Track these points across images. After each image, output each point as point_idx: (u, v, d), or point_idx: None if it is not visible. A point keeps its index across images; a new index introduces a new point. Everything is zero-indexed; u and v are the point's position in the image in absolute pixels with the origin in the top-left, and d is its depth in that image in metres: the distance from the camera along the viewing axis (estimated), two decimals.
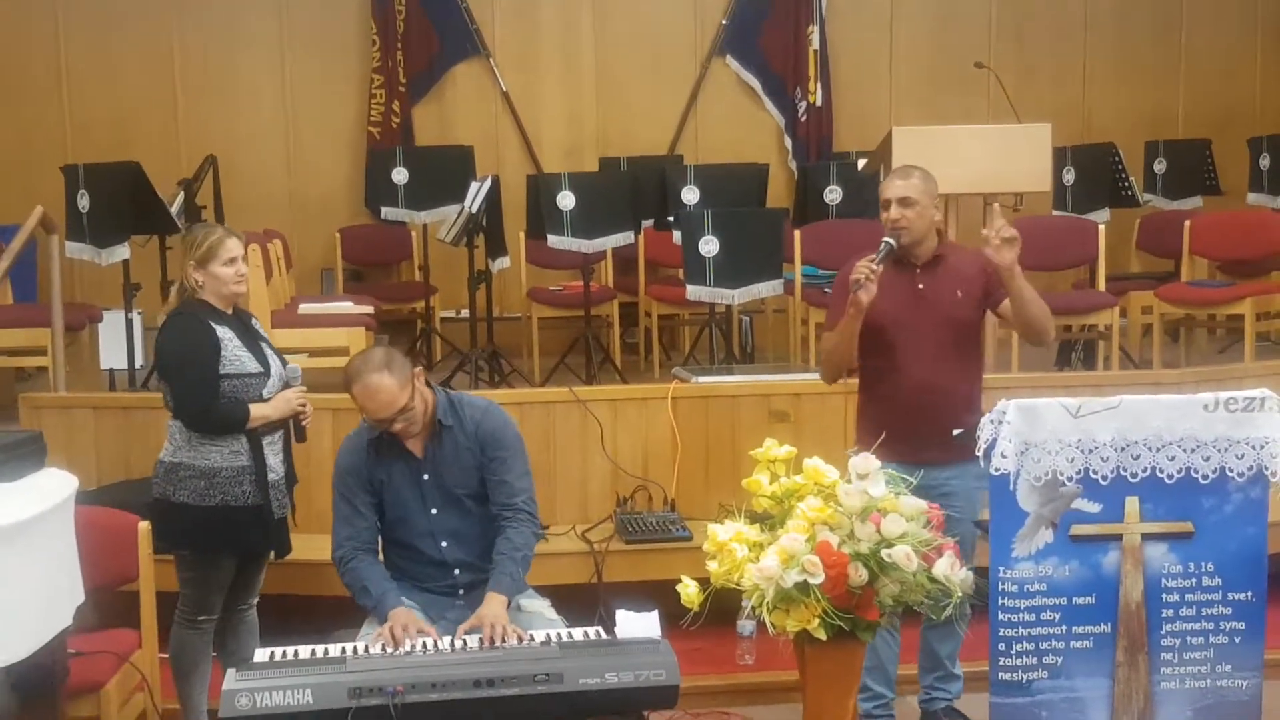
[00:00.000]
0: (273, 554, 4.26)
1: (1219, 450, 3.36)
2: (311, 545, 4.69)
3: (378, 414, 3.81)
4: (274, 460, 4.14)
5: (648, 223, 7.65)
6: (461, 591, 3.94)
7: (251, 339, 4.15)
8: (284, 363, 4.23)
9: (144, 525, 4.01)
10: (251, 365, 4.06)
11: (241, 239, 4.17)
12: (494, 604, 3.72)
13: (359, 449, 3.96)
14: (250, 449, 4.06)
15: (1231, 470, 3.36)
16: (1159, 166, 8.85)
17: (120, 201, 6.51)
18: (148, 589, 4.02)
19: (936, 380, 4.13)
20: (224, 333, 4.05)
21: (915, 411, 4.09)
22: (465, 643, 3.53)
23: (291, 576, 4.77)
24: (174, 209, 6.82)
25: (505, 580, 3.80)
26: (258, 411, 4.05)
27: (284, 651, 3.43)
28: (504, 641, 3.51)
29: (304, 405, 4.15)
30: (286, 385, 4.17)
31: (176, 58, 9.02)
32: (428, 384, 3.98)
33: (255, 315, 4.40)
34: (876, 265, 4.01)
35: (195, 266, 4.08)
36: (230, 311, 4.14)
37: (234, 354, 4.04)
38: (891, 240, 4.11)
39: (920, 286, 4.16)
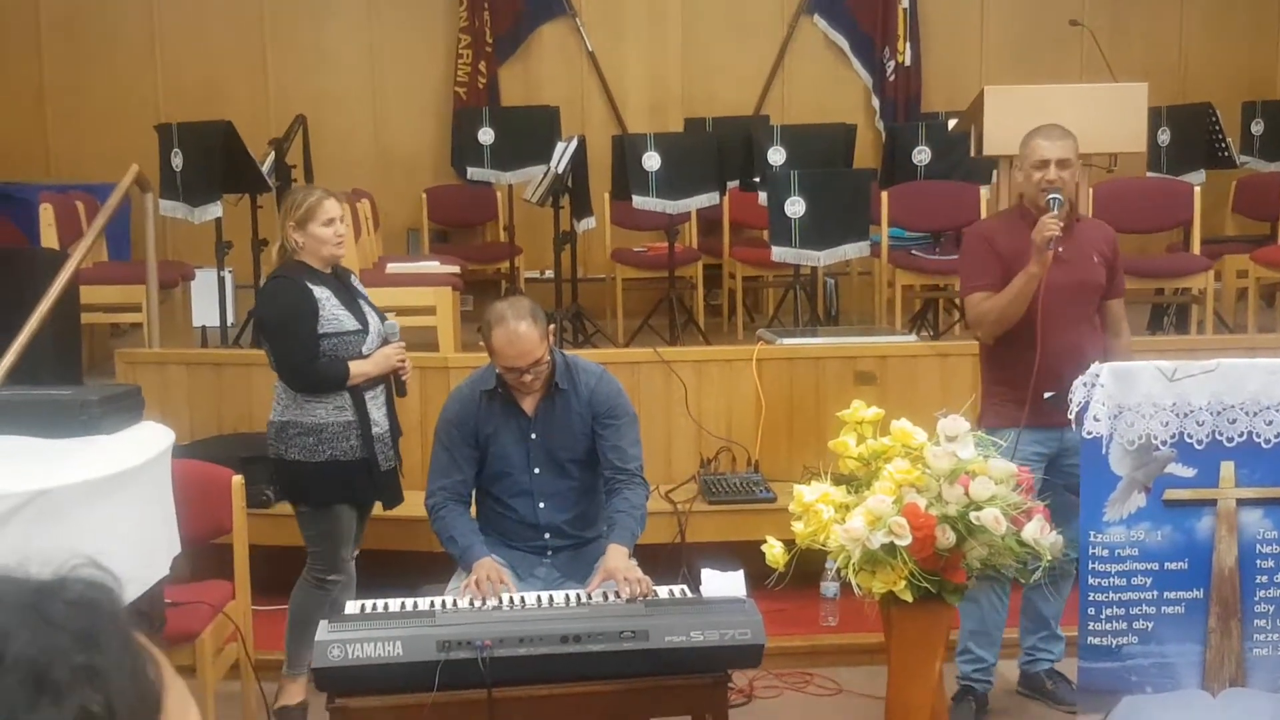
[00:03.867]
0: (383, 505, 4.33)
1: None
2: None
3: (515, 361, 3.79)
4: (378, 414, 4.21)
5: (733, 184, 7.62)
6: (549, 553, 3.97)
7: (350, 297, 4.21)
8: (383, 319, 4.28)
9: (237, 479, 4.08)
10: (350, 323, 4.13)
11: (340, 200, 4.23)
12: (619, 555, 3.74)
13: (470, 399, 3.96)
14: (354, 404, 4.13)
15: None
16: (1256, 128, 8.63)
17: (213, 160, 6.61)
18: (241, 542, 4.10)
19: (1077, 342, 4.05)
20: (321, 293, 4.11)
21: (1057, 373, 4.02)
22: (552, 599, 3.57)
23: (382, 532, 4.84)
24: (265, 168, 6.91)
25: (625, 534, 3.82)
26: (357, 368, 4.12)
27: (375, 604, 3.49)
28: (642, 592, 3.53)
29: (403, 361, 4.22)
30: (385, 341, 4.23)
31: (266, 18, 9.13)
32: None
33: (355, 273, 4.46)
34: (1060, 221, 3.96)
35: (295, 228, 4.14)
36: (329, 271, 4.20)
37: (332, 313, 4.10)
38: (1059, 195, 4.02)
39: (1061, 250, 4.09)
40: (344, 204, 4.27)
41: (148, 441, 3.49)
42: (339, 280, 4.23)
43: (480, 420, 3.93)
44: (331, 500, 4.16)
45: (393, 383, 4.29)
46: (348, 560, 4.25)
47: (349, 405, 4.13)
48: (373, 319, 4.22)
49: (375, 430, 4.17)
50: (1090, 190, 6.39)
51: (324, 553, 4.20)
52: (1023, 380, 3.98)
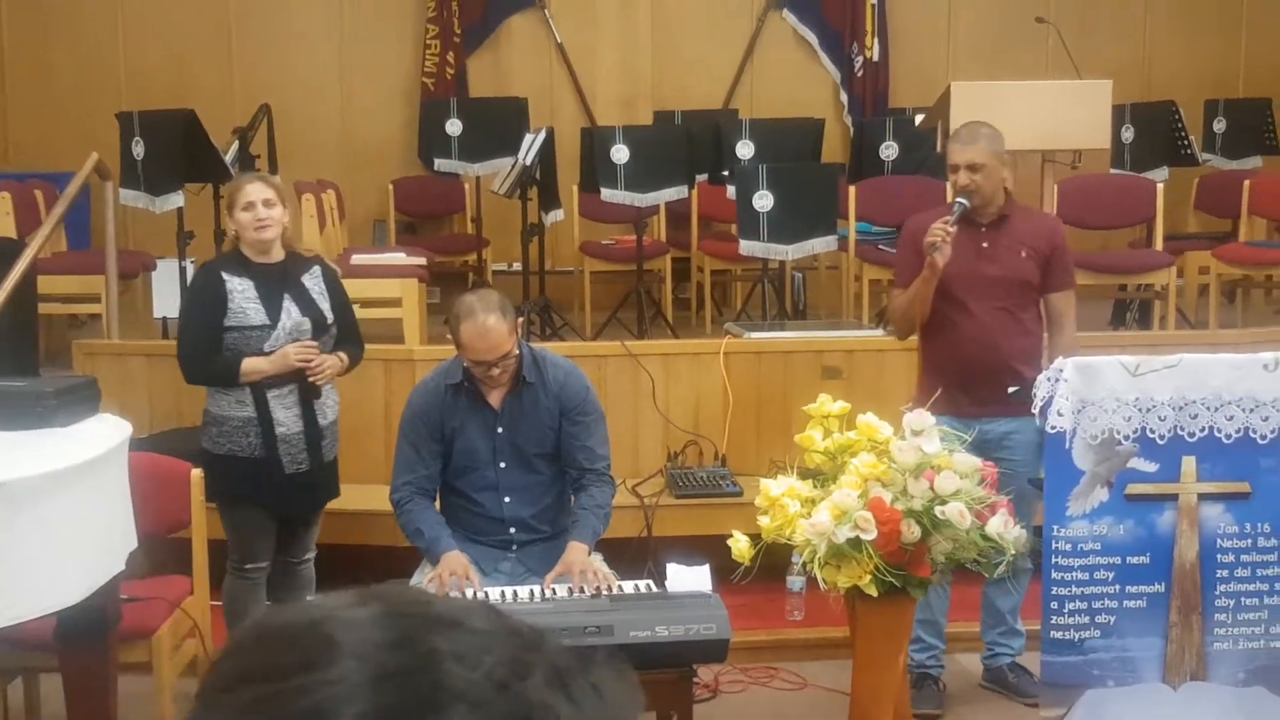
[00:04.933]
0: (296, 512, 4.26)
1: (1278, 410, 3.32)
2: (364, 495, 4.74)
3: (484, 355, 3.76)
4: (283, 414, 4.10)
5: (702, 177, 7.61)
6: (514, 548, 3.95)
7: (275, 291, 4.08)
8: (317, 316, 4.14)
9: (196, 472, 4.03)
10: (256, 318, 4.04)
11: (267, 183, 4.14)
12: (578, 551, 3.75)
13: (435, 393, 3.93)
14: (254, 401, 4.06)
15: None
16: (1219, 125, 8.70)
17: (174, 149, 6.53)
18: (200, 536, 4.04)
19: (996, 336, 4.15)
20: (238, 284, 4.05)
21: (976, 365, 4.12)
22: (515, 594, 3.55)
23: (344, 526, 4.81)
24: (228, 157, 6.84)
25: (587, 531, 3.83)
26: (251, 365, 4.03)
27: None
28: (596, 587, 3.53)
29: (307, 361, 4.07)
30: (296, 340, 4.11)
31: (232, 6, 9.05)
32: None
33: (323, 265, 4.34)
34: (951, 226, 4.01)
35: (227, 214, 4.14)
36: (275, 259, 4.11)
37: (240, 305, 4.04)
38: (964, 201, 4.10)
39: (984, 245, 4.16)
40: (273, 188, 4.14)
41: (104, 434, 3.45)
42: (281, 270, 4.13)
43: (446, 414, 3.91)
44: (229, 495, 4.10)
45: (308, 385, 4.14)
46: (261, 553, 4.19)
47: (249, 401, 4.06)
48: (290, 316, 4.09)
49: (279, 430, 4.08)
50: (1055, 186, 6.43)
51: (236, 544, 4.17)
52: (946, 370, 4.10)
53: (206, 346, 4.06)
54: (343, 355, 4.25)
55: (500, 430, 3.91)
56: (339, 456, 4.35)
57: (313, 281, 4.23)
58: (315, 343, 4.12)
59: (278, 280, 4.13)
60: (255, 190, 4.07)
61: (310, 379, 4.11)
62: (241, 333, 4.05)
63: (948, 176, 4.24)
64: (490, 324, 3.73)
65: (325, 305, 4.21)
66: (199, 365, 4.09)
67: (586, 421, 3.92)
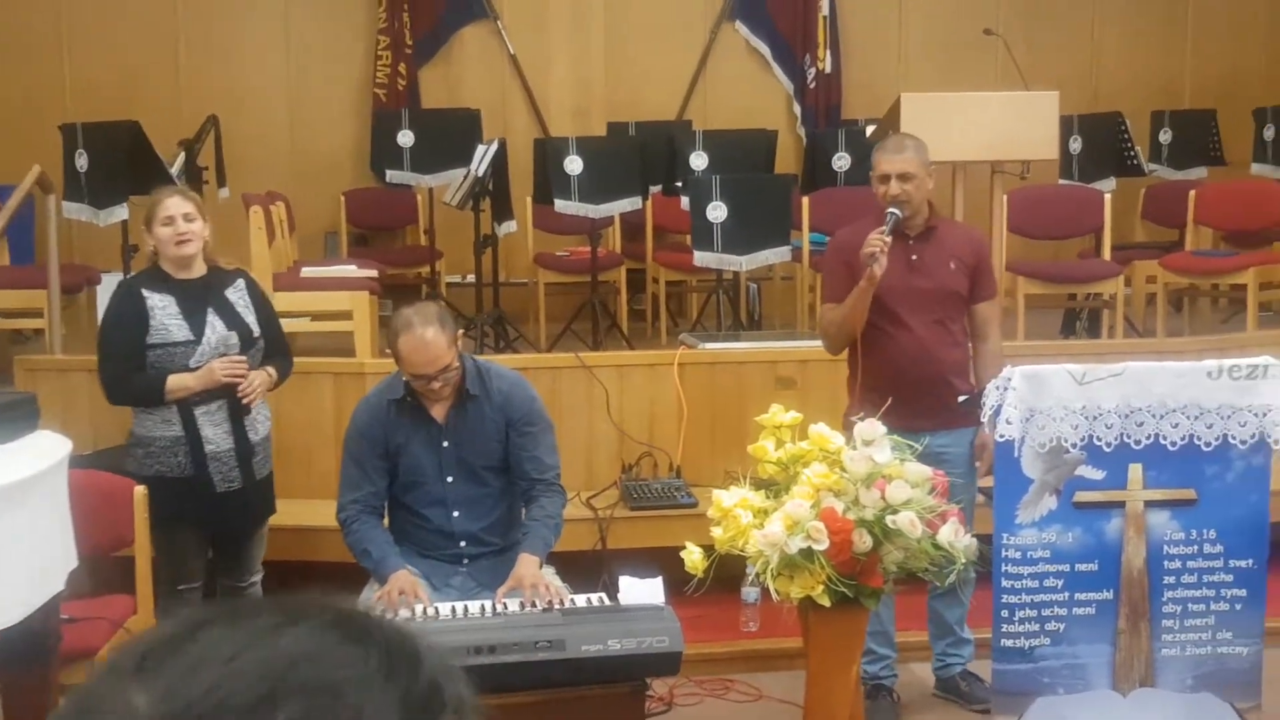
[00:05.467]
0: (231, 531, 4.19)
1: (1222, 418, 3.36)
2: (313, 510, 4.70)
3: (423, 368, 3.73)
4: (212, 431, 4.03)
5: (656, 188, 7.62)
6: (465, 562, 3.91)
7: (198, 306, 4.02)
8: (243, 330, 4.09)
9: (139, 490, 3.97)
10: (179, 334, 3.98)
11: (186, 197, 4.08)
12: (529, 564, 3.70)
13: (378, 409, 3.89)
14: (181, 419, 3.99)
15: (1234, 438, 3.36)
16: (1164, 136, 8.82)
17: (119, 161, 6.46)
18: (143, 554, 3.98)
19: (930, 348, 4.16)
20: (159, 300, 3.98)
21: (910, 379, 4.11)
22: (466, 609, 3.52)
23: (293, 542, 4.77)
24: (174, 169, 6.77)
25: (538, 542, 3.79)
26: (176, 382, 3.96)
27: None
28: (548, 601, 3.51)
29: (237, 377, 4.01)
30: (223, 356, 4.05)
31: (179, 16, 8.96)
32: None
33: (246, 278, 4.25)
34: (887, 236, 4.02)
35: (146, 230, 4.05)
36: (197, 274, 4.05)
37: (162, 322, 3.98)
38: (897, 211, 4.10)
39: (914, 257, 4.18)
40: (192, 201, 4.08)
41: (43, 451, 3.38)
42: (203, 284, 4.07)
43: (390, 430, 3.87)
44: (159, 516, 3.98)
45: (237, 401, 4.08)
46: (194, 572, 4.13)
47: (176, 419, 3.98)
48: (216, 331, 4.03)
49: (209, 448, 4.01)
50: (1005, 196, 6.48)
51: (168, 565, 4.09)
52: (879, 384, 4.07)
53: (129, 366, 3.97)
54: (271, 370, 4.18)
55: (446, 444, 3.88)
56: (275, 471, 4.29)
57: (237, 295, 4.15)
58: (243, 358, 4.05)
59: (200, 295, 4.05)
60: (174, 204, 4.00)
61: (242, 399, 4.05)
62: (165, 350, 3.98)
63: (875, 185, 4.21)
64: (428, 336, 3.69)
65: (251, 318, 4.14)
66: (122, 385, 4.01)
67: (533, 432, 3.89)
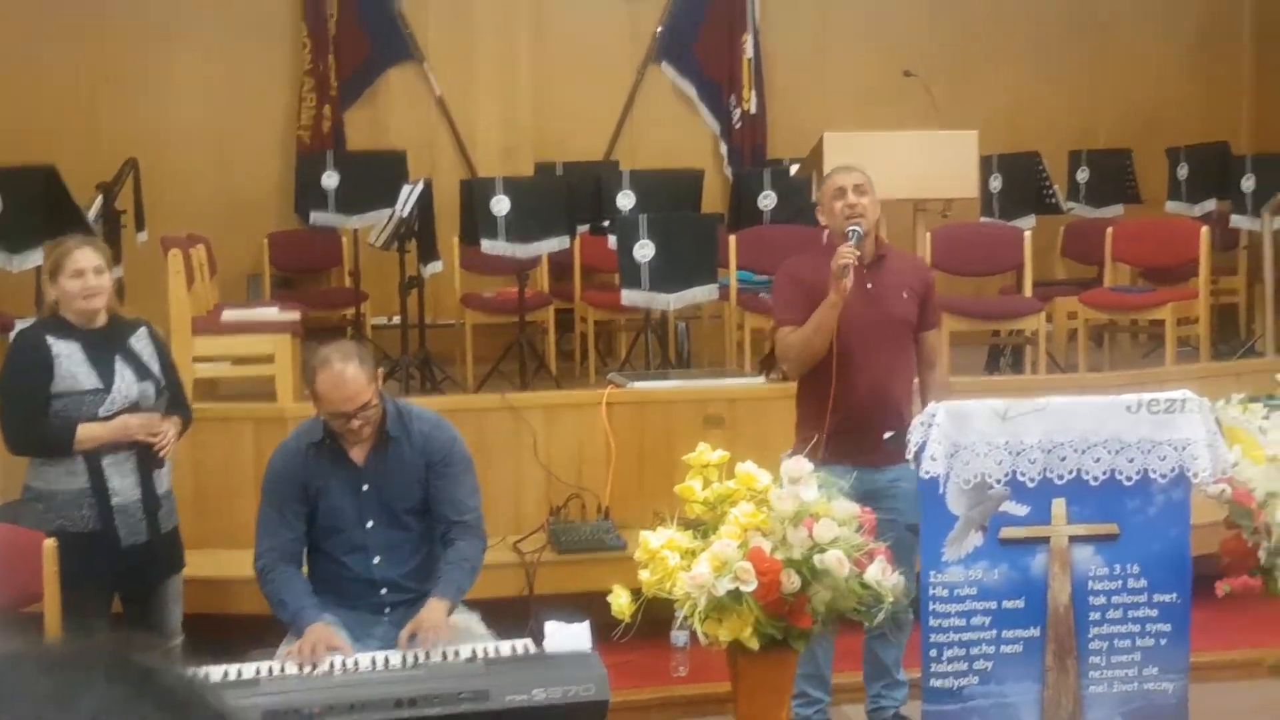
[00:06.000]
0: (136, 588, 4.09)
1: (1142, 452, 3.39)
2: (233, 561, 4.60)
3: (340, 406, 3.66)
4: (120, 483, 3.94)
5: (583, 228, 7.62)
6: (388, 610, 3.83)
7: (105, 355, 3.95)
8: (151, 380, 4.03)
9: (49, 543, 3.79)
10: (87, 382, 3.90)
11: (97, 249, 4.01)
12: (436, 610, 3.64)
13: (296, 453, 3.83)
14: (88, 469, 3.89)
15: (1154, 472, 3.39)
16: (1082, 175, 8.98)
17: (33, 206, 6.33)
18: (52, 610, 3.83)
19: (888, 380, 4.15)
20: (65, 348, 3.90)
21: (867, 410, 4.09)
22: (388, 660, 3.46)
23: (212, 595, 4.67)
24: (91, 214, 6.68)
25: (451, 588, 3.72)
26: (87, 432, 3.86)
27: (194, 673, 3.32)
28: (426, 653, 3.44)
29: (154, 435, 3.94)
30: (136, 407, 3.97)
31: (99, 57, 8.84)
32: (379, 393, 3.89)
33: (148, 328, 4.18)
34: (856, 250, 4.02)
35: (48, 280, 3.96)
36: (100, 324, 3.99)
37: (69, 370, 3.89)
38: (858, 228, 4.10)
39: (869, 285, 4.17)
40: (102, 254, 4.02)
41: None
42: (102, 335, 4.00)
43: (308, 474, 3.79)
44: (67, 576, 3.79)
45: (149, 451, 4.01)
46: (100, 628, 3.96)
47: (82, 471, 3.88)
48: (125, 380, 3.96)
49: (115, 500, 3.92)
50: (928, 235, 6.56)
51: (72, 625, 3.93)
52: (835, 416, 4.07)
53: (34, 414, 3.86)
54: (176, 420, 4.11)
55: (365, 488, 3.81)
56: (194, 520, 4.24)
57: (141, 344, 4.09)
58: (159, 414, 3.98)
59: (105, 344, 3.98)
60: (85, 257, 3.93)
61: (157, 452, 3.98)
62: (72, 399, 3.89)
63: (830, 205, 4.19)
64: (348, 373, 3.64)
65: (156, 368, 4.08)
66: (27, 434, 3.89)
67: (451, 472, 3.84)
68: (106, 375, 3.92)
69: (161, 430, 3.97)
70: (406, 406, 3.95)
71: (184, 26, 8.95)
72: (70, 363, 3.90)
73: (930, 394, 4.24)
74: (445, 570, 3.75)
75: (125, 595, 4.08)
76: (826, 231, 4.36)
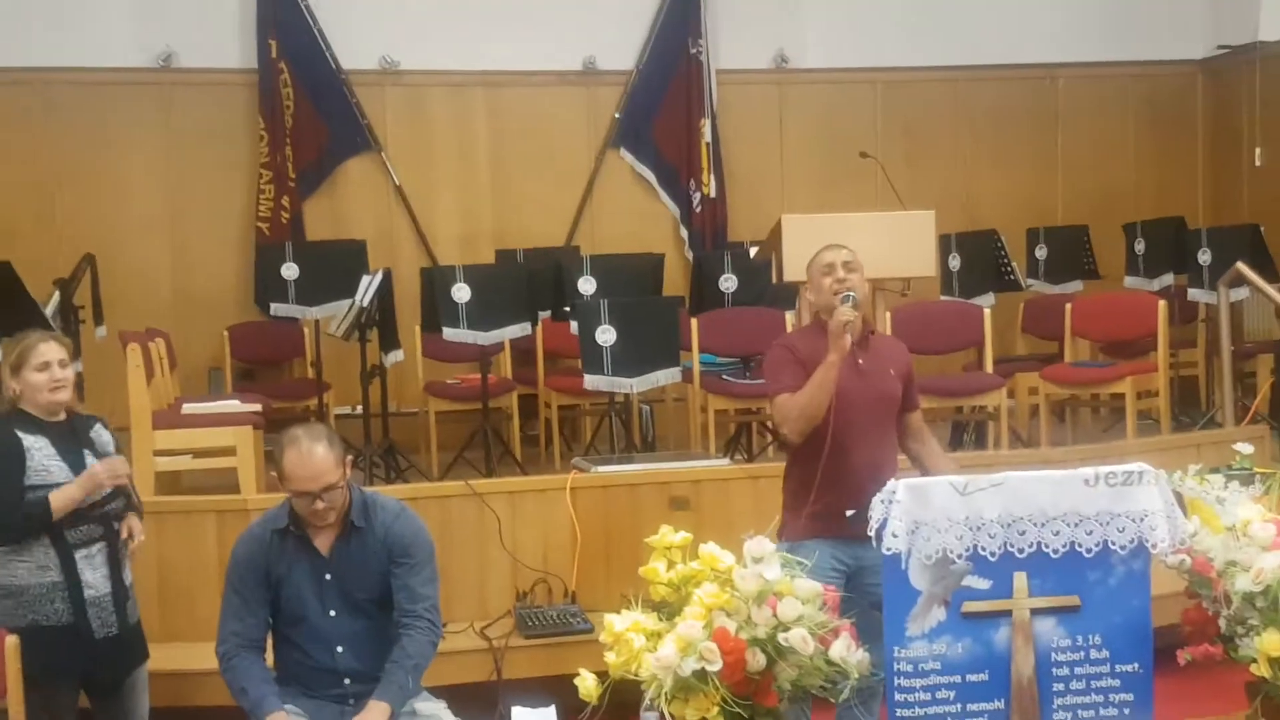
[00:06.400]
0: (104, 682, 4.07)
1: (1101, 524, 3.40)
2: (196, 654, 4.56)
3: (305, 484, 3.67)
4: (92, 575, 3.96)
5: (545, 314, 7.66)
6: (352, 701, 3.77)
7: (73, 448, 4.00)
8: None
9: (11, 640, 3.76)
10: (60, 475, 3.93)
11: (60, 343, 4.07)
12: (374, 712, 3.61)
13: (260, 539, 3.82)
14: (60, 564, 3.90)
15: (1114, 543, 3.40)
16: (1040, 252, 9.10)
17: None
18: (16, 706, 3.79)
19: (879, 455, 4.17)
20: (34, 441, 3.93)
21: (860, 486, 4.06)
22: None
23: (177, 688, 4.63)
24: (49, 310, 6.67)
25: (392, 688, 3.68)
26: (60, 499, 3.87)
27: None
28: None
29: (119, 479, 3.98)
30: (108, 501, 4.01)
31: (55, 154, 8.87)
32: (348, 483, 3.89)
33: (103, 423, 4.22)
34: (855, 311, 4.06)
35: (10, 374, 3.98)
36: (61, 418, 4.02)
37: (42, 464, 3.92)
38: (853, 294, 4.13)
39: (860, 361, 4.20)
40: (65, 348, 4.07)
41: None
42: (68, 429, 4.03)
43: (272, 560, 3.79)
44: (38, 672, 3.80)
45: (118, 543, 4.04)
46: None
47: (54, 565, 3.89)
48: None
49: (88, 594, 3.93)
50: (888, 314, 6.62)
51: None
52: (826, 493, 4.07)
53: (13, 500, 3.86)
54: (139, 514, 4.16)
55: (329, 577, 3.80)
56: (157, 613, 4.27)
57: (100, 438, 4.13)
58: (120, 458, 4.02)
59: (71, 437, 4.02)
60: (50, 350, 3.98)
61: (129, 540, 4.04)
62: (47, 490, 3.90)
63: (820, 281, 4.21)
64: (316, 452, 3.66)
65: None
66: (8, 519, 3.86)
67: (409, 562, 3.83)
68: (77, 468, 3.95)
69: (126, 470, 4.01)
70: (373, 496, 3.95)
71: (139, 121, 9.01)
72: (42, 456, 3.92)
73: (938, 465, 4.30)
74: (389, 670, 3.71)
75: (92, 689, 4.05)
76: (816, 312, 4.38)
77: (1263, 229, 8.32)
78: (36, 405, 3.97)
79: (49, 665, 3.85)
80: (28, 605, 3.88)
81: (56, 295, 6.97)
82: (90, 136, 8.91)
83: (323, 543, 3.81)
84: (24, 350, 3.97)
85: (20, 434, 3.92)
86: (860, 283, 4.22)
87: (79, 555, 3.92)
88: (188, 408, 6.78)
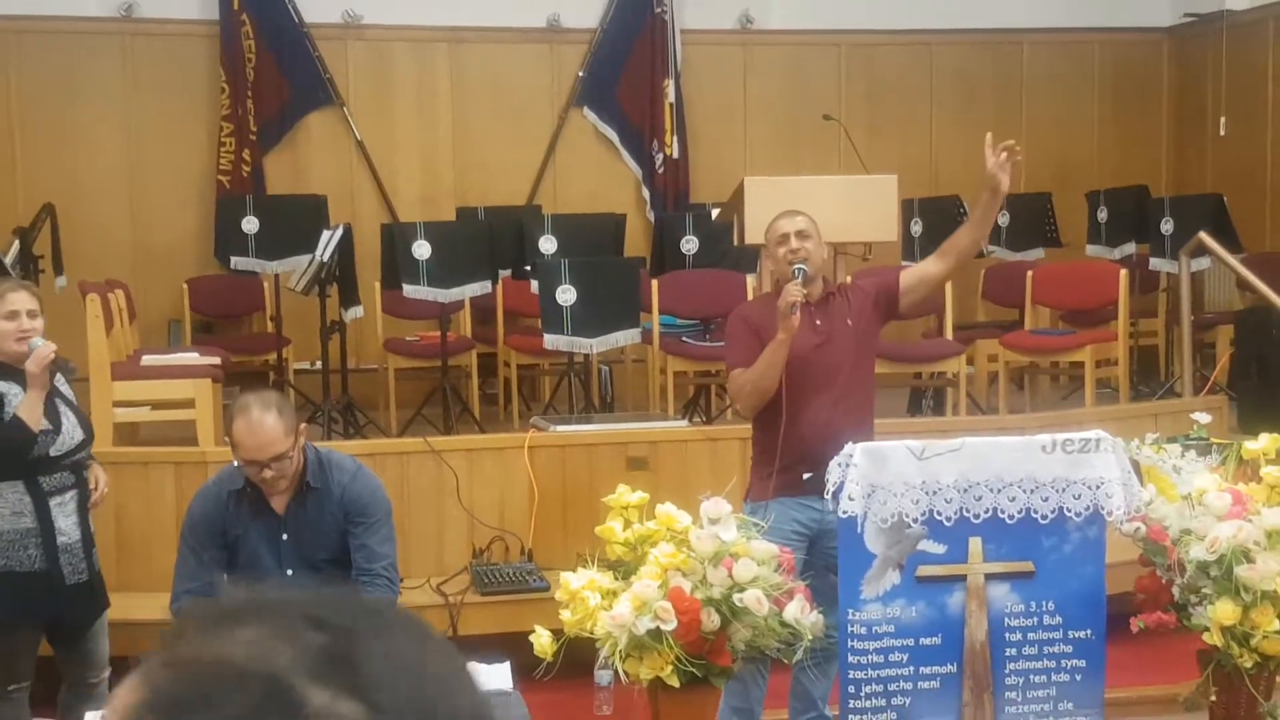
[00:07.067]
0: (71, 627, 4.10)
1: (1057, 491, 3.44)
2: (152, 604, 4.53)
3: (253, 454, 3.65)
4: (65, 522, 3.99)
5: (505, 272, 7.62)
6: None
7: (47, 397, 3.98)
8: (85, 424, 4.12)
9: None
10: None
11: (32, 293, 4.06)
12: None
13: (216, 499, 3.81)
14: (35, 510, 3.92)
15: (1069, 510, 3.44)
16: (1002, 219, 9.06)
17: None
18: None
19: (838, 415, 4.18)
20: (7, 388, 3.92)
21: (820, 449, 4.10)
22: None
23: (133, 637, 4.60)
24: (8, 259, 6.60)
25: None
26: (26, 410, 3.85)
27: None
28: None
29: (46, 360, 3.91)
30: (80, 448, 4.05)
31: (14, 103, 8.75)
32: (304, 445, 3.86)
33: (73, 371, 4.26)
34: (803, 287, 4.07)
35: None
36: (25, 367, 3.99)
37: (15, 409, 3.90)
38: (804, 266, 4.15)
39: (818, 323, 4.22)
40: (36, 298, 4.06)
41: None
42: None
43: (228, 520, 3.77)
44: (6, 617, 3.89)
45: (87, 490, 4.09)
46: (25, 671, 4.00)
47: (29, 511, 3.90)
48: (70, 421, 4.02)
49: (61, 540, 3.95)
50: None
51: (4, 665, 3.94)
52: (792, 453, 4.10)
53: None
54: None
55: (285, 537, 3.80)
56: (115, 564, 4.29)
57: (65, 388, 4.14)
58: (49, 345, 3.95)
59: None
60: (20, 299, 3.97)
61: (95, 496, 4.10)
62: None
63: (774, 250, 4.25)
64: (266, 422, 3.63)
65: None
66: None
67: (366, 521, 3.82)
68: (53, 416, 3.97)
69: (48, 353, 3.93)
70: (329, 455, 3.93)
71: (100, 71, 8.88)
72: (17, 402, 3.91)
73: (956, 240, 4.44)
74: None
75: (56, 634, 4.09)
76: (776, 279, 4.40)
77: (1226, 199, 8.35)
78: (3, 353, 3.96)
79: (19, 610, 3.90)
80: (1, 551, 3.90)
81: (16, 244, 6.89)
82: (50, 85, 8.77)
83: (278, 502, 3.80)
84: None
85: None
86: (816, 248, 4.24)
87: (53, 503, 3.95)
88: (147, 359, 6.72)
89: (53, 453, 3.94)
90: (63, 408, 4.03)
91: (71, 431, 4.01)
